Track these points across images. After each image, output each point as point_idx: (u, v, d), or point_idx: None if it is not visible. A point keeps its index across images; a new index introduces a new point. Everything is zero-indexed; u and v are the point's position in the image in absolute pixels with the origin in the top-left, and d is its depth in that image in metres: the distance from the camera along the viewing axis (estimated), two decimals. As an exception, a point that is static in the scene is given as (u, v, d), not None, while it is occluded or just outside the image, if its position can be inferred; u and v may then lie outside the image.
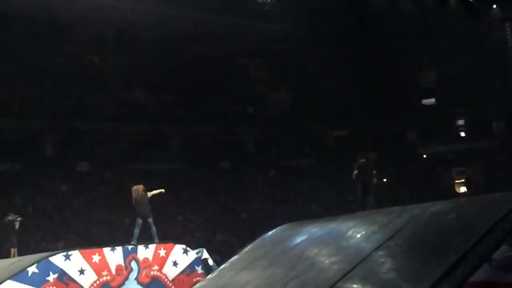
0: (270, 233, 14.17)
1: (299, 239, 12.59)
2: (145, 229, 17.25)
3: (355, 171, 16.39)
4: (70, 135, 33.88)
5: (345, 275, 9.49)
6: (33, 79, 33.42)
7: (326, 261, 10.77)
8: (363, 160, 16.71)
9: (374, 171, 17.05)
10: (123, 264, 15.64)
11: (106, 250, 15.60)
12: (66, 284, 14.79)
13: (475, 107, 39.73)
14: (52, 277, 14.66)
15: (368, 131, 40.31)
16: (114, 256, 15.58)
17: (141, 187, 17.47)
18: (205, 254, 17.20)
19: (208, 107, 37.61)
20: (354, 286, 9.23)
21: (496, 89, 38.28)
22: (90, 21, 34.31)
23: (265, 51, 40.39)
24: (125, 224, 26.13)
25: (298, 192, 36.04)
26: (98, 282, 15.23)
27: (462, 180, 38.86)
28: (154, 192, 17.58)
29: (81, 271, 15.02)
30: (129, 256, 15.78)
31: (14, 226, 18.92)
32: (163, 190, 17.79)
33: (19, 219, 19.06)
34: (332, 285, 9.36)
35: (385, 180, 33.42)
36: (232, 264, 13.04)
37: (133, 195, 17.32)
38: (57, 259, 14.88)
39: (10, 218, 19.10)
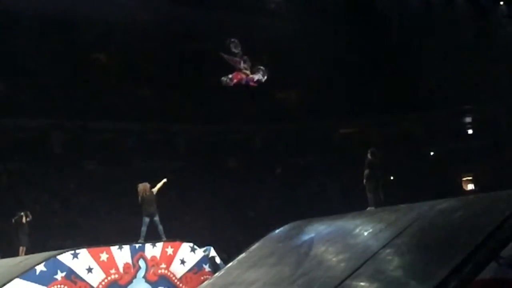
0: (277, 231, 14.21)
1: (306, 237, 12.61)
2: (152, 227, 17.28)
3: (367, 169, 16.36)
4: (78, 134, 33.93)
5: (353, 273, 9.50)
6: (40, 77, 33.46)
7: (334, 259, 10.79)
8: (374, 157, 16.66)
9: (384, 168, 17.07)
10: (130, 263, 15.69)
11: (114, 249, 15.65)
12: (74, 283, 14.84)
13: (482, 104, 39.59)
14: (60, 275, 14.72)
15: (375, 129, 40.22)
16: (121, 254, 15.64)
17: (147, 185, 17.50)
18: (213, 252, 17.25)
19: (215, 105, 37.56)
20: (362, 283, 9.24)
21: (503, 85, 38.07)
22: (98, 20, 34.39)
23: (271, 49, 40.31)
24: (132, 223, 26.13)
25: (305, 190, 35.99)
26: (106, 280, 15.29)
27: (469, 178, 38.73)
28: (158, 185, 17.59)
29: (89, 270, 15.08)
30: (136, 254, 15.84)
31: (21, 221, 18.99)
32: (165, 180, 17.76)
33: (22, 213, 19.13)
34: (340, 283, 9.37)
35: (392, 177, 33.37)
36: (239, 262, 13.09)
37: (139, 193, 17.38)
38: (65, 258, 14.94)
39: (16, 217, 19.20)
